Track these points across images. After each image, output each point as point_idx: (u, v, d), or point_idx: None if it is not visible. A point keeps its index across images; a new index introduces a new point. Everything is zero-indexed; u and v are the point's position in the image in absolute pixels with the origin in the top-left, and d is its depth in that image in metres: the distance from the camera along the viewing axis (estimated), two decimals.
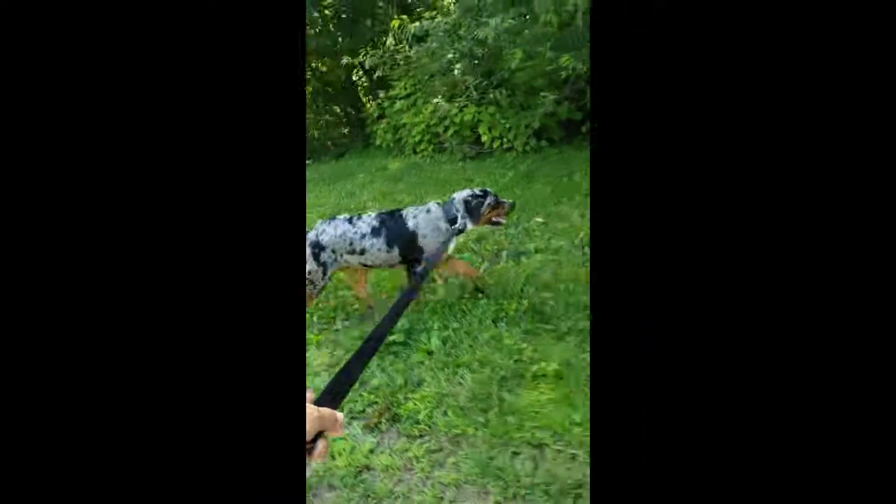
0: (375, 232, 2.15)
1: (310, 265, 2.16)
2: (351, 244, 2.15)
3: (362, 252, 2.15)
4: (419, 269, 2.19)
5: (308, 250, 2.15)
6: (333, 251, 2.15)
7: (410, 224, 2.17)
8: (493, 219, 2.31)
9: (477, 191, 2.27)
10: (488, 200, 2.25)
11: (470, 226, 2.22)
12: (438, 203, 2.25)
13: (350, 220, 2.19)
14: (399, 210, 2.26)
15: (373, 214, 2.23)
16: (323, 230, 2.16)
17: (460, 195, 2.25)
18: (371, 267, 2.25)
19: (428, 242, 2.16)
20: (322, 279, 2.19)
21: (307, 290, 2.19)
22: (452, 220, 2.18)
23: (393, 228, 2.17)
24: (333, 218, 2.21)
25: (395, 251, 2.17)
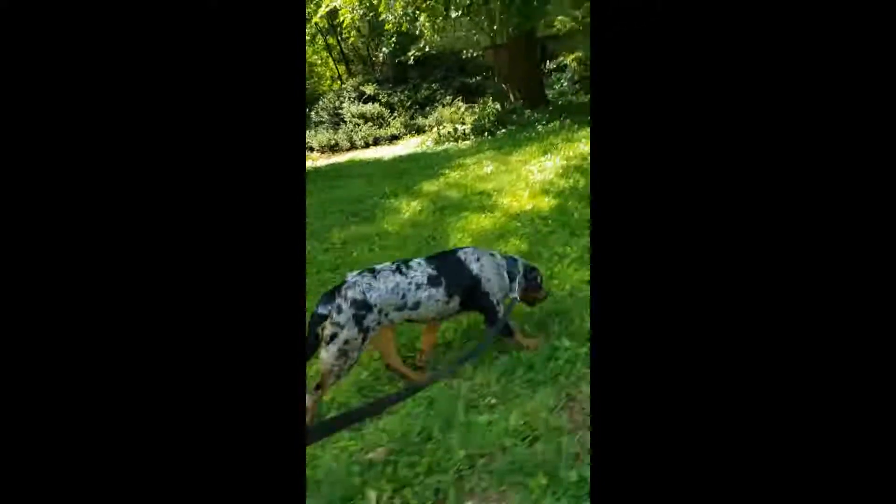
0: (433, 281, 1.78)
1: (349, 332, 1.64)
2: (403, 298, 1.74)
3: (415, 306, 1.75)
4: (501, 316, 1.86)
5: (348, 313, 1.65)
6: (381, 311, 1.70)
7: (474, 268, 1.87)
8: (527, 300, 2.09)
9: (529, 264, 2.07)
10: (537, 279, 2.05)
11: (514, 295, 1.94)
12: (501, 254, 2.02)
13: (398, 270, 1.78)
14: (448, 254, 1.92)
15: (422, 261, 1.85)
16: (369, 285, 1.70)
17: (521, 260, 2.03)
18: (413, 322, 1.88)
19: (493, 289, 1.89)
20: (360, 349, 1.70)
21: (333, 369, 1.68)
22: (511, 277, 1.95)
23: (453, 275, 1.83)
24: (372, 269, 1.78)
25: (456, 301, 1.83)
